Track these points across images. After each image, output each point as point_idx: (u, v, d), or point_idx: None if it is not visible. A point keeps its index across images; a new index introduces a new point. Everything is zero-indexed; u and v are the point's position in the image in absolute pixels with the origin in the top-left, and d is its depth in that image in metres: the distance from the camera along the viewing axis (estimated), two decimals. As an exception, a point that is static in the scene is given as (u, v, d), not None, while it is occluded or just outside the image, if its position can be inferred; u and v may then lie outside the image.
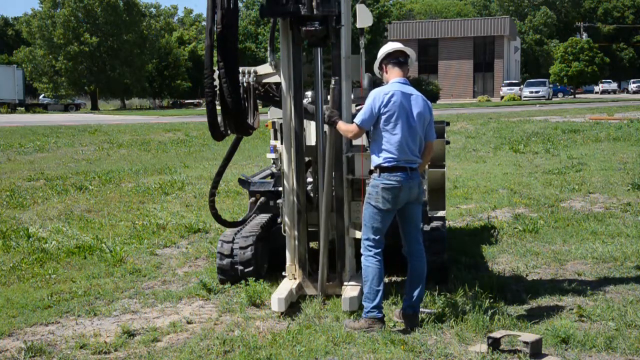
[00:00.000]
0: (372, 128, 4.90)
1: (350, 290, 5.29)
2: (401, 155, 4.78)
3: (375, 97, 4.82)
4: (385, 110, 4.78)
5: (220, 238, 6.10)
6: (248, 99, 5.55)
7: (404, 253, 5.01)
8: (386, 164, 4.78)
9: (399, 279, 5.99)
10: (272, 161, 6.33)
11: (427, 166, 6.05)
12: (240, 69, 5.36)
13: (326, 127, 5.32)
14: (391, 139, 4.79)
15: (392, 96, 4.79)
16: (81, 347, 4.65)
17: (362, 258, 4.90)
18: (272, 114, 6.26)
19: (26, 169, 15.21)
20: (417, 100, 4.89)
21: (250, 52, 51.84)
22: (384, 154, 4.80)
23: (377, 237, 4.86)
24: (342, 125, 5.05)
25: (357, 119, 4.88)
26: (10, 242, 7.82)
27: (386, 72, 5.01)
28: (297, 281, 5.56)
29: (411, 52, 5.06)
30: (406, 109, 4.82)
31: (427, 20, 68.96)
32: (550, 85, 59.60)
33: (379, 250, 4.87)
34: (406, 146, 4.80)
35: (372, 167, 4.95)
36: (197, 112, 46.41)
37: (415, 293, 4.86)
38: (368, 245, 4.87)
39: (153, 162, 16.39)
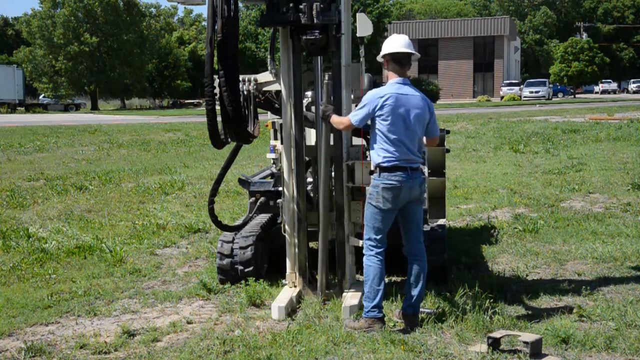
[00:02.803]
0: (371, 129, 4.91)
1: (350, 298, 5.29)
2: (401, 155, 4.79)
3: (371, 99, 4.85)
4: (381, 113, 4.80)
5: (220, 238, 6.11)
6: (248, 107, 5.56)
7: (404, 252, 5.02)
8: (386, 164, 4.79)
9: (399, 279, 5.99)
10: (272, 161, 6.33)
11: (427, 175, 6.05)
12: (241, 77, 5.37)
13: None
14: (389, 140, 4.80)
15: (387, 99, 4.81)
16: (81, 347, 4.65)
17: (364, 257, 4.90)
18: (272, 114, 6.27)
19: (26, 169, 15.21)
20: (415, 100, 4.87)
21: (250, 52, 51.84)
22: (383, 154, 4.81)
23: (378, 237, 4.86)
24: (335, 118, 5.09)
25: (352, 116, 4.93)
26: (10, 242, 7.83)
27: (386, 68, 5.00)
28: (298, 289, 5.56)
29: (415, 52, 5.04)
30: (402, 111, 4.82)
31: (427, 20, 68.93)
32: (550, 85, 59.56)
33: (381, 250, 4.87)
34: (405, 147, 4.81)
35: (372, 168, 4.96)
36: (197, 112, 46.42)
37: (415, 293, 4.87)
38: (370, 245, 4.88)
39: (153, 162, 16.40)
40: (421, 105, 4.89)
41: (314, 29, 5.13)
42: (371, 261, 4.85)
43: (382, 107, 4.79)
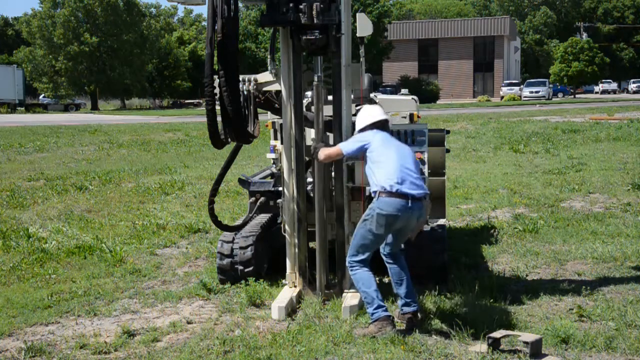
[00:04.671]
0: (366, 165, 4.98)
1: (350, 298, 5.29)
2: (400, 181, 4.73)
3: (363, 136, 4.98)
4: (373, 146, 4.89)
5: (220, 238, 6.11)
6: (248, 107, 5.57)
7: (382, 255, 5.01)
8: (384, 189, 4.74)
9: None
10: (272, 161, 6.33)
11: (427, 175, 6.07)
12: (241, 77, 5.38)
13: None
14: (388, 166, 4.80)
15: (376, 134, 4.95)
16: (81, 347, 4.65)
17: (350, 271, 4.90)
18: (272, 114, 6.27)
19: (26, 169, 15.21)
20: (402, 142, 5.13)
21: (250, 52, 51.84)
22: (382, 181, 4.77)
23: (364, 256, 4.83)
24: (324, 152, 5.14)
25: (343, 147, 5.03)
26: (10, 242, 7.83)
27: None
28: (298, 289, 5.56)
29: (389, 116, 5.21)
30: (393, 144, 4.97)
31: (427, 20, 68.91)
32: (550, 85, 59.53)
33: (364, 261, 4.87)
34: (405, 171, 4.79)
35: (371, 193, 4.90)
36: (197, 112, 46.40)
37: (403, 290, 4.88)
38: (352, 261, 4.86)
39: (153, 162, 16.40)
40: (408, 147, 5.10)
41: (314, 29, 5.13)
42: (356, 269, 4.83)
43: (373, 141, 4.91)
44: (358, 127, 5.13)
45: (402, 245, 5.06)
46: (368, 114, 5.15)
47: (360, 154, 4.98)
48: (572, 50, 59.41)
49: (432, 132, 6.64)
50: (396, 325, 4.88)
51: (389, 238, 4.93)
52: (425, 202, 4.79)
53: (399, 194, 4.67)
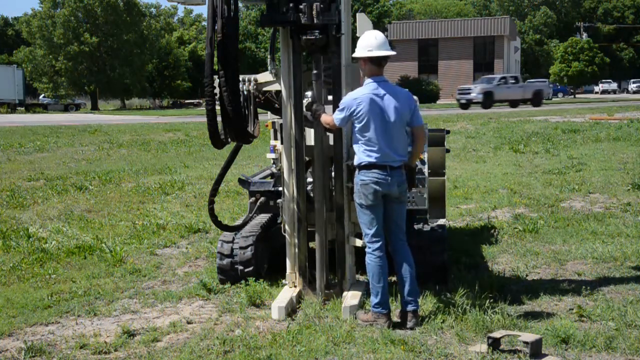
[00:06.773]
0: (352, 130, 4.99)
1: (350, 298, 5.29)
2: (379, 155, 4.85)
3: (348, 103, 4.91)
4: (357, 116, 4.86)
5: (220, 238, 6.11)
6: (248, 107, 5.57)
7: (390, 251, 5.03)
8: (363, 163, 4.88)
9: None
10: (272, 161, 6.33)
11: (427, 175, 6.04)
12: (241, 77, 5.38)
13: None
14: (367, 140, 4.87)
15: (361, 102, 4.85)
16: (81, 347, 4.65)
17: (366, 257, 4.98)
18: (272, 114, 6.27)
19: (26, 169, 15.21)
20: (393, 98, 4.88)
21: (250, 52, 51.87)
22: (361, 154, 4.90)
23: (373, 230, 4.92)
24: (324, 117, 5.18)
25: (335, 117, 5.02)
26: (10, 242, 7.82)
27: (363, 66, 5.00)
28: (298, 289, 5.56)
29: (392, 51, 5.02)
30: (378, 112, 4.85)
31: (427, 20, 68.90)
32: (550, 85, 59.56)
33: (379, 244, 4.92)
34: (384, 146, 4.85)
35: (353, 165, 5.04)
36: (197, 112, 46.41)
37: (407, 289, 4.90)
38: (368, 242, 4.97)
39: (153, 162, 16.40)
40: (400, 101, 4.91)
41: (314, 29, 5.14)
42: (369, 259, 4.93)
43: (357, 110, 4.85)
44: (356, 53, 4.99)
45: (405, 239, 5.07)
46: (366, 42, 4.94)
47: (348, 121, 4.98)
48: (572, 50, 59.47)
49: (432, 132, 6.64)
50: (392, 322, 4.89)
51: (386, 230, 4.98)
52: (403, 170, 4.94)
53: (377, 166, 4.85)
